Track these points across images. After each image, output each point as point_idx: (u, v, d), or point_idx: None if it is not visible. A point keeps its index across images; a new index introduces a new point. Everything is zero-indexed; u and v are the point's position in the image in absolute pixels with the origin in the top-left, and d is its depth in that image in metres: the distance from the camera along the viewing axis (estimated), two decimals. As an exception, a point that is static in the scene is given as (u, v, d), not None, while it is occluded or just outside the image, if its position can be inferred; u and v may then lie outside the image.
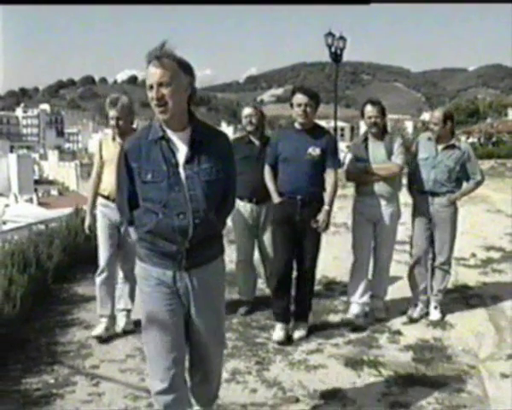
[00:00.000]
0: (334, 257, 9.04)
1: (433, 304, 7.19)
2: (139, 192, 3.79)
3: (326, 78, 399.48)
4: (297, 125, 6.48)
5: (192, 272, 3.82)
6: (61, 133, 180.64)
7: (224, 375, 5.19)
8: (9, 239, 9.18)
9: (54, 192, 73.39)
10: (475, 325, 7.04)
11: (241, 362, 5.92)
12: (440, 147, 6.99)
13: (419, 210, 7.15)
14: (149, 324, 3.91)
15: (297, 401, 5.19)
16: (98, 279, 6.62)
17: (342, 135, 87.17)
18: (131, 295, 6.64)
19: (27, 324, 6.93)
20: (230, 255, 7.00)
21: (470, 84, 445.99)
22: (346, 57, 32.15)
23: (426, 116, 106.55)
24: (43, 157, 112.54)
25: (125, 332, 6.71)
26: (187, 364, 4.10)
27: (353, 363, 5.95)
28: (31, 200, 60.24)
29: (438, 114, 7.06)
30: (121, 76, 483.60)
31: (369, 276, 7.21)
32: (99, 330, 6.55)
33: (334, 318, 7.31)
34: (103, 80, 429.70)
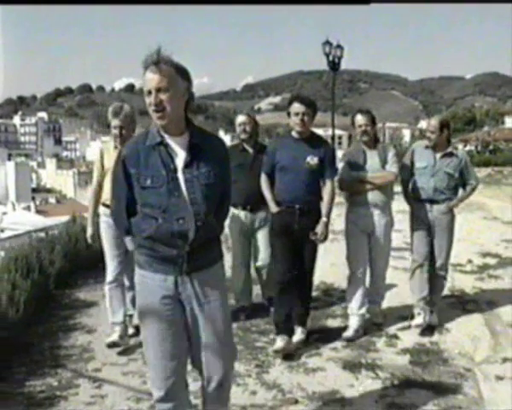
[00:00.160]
0: (331, 264, 9.12)
1: (429, 309, 7.22)
2: (138, 198, 3.79)
3: (323, 86, 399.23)
4: (294, 134, 6.50)
5: (193, 275, 3.81)
6: (58, 141, 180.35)
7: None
8: (9, 246, 9.29)
9: (51, 200, 73.22)
10: (471, 329, 7.13)
11: (241, 365, 5.97)
12: (438, 155, 7.04)
13: (418, 218, 7.16)
14: (148, 333, 3.93)
15: (296, 402, 5.28)
16: (108, 288, 6.62)
17: (340, 143, 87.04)
18: (133, 301, 6.69)
19: (30, 328, 7.02)
20: (228, 262, 7.09)
21: (467, 92, 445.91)
22: (343, 65, 32.19)
23: (423, 124, 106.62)
24: (41, 165, 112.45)
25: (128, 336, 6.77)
26: (189, 367, 4.11)
27: (351, 366, 6.04)
28: (28, 208, 60.18)
29: (434, 122, 7.10)
30: (119, 84, 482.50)
31: (367, 284, 7.20)
32: (113, 337, 6.52)
33: (332, 323, 7.39)
34: (101, 88, 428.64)
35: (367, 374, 5.87)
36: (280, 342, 6.32)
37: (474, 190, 7.20)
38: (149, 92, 3.63)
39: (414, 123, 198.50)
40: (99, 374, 5.91)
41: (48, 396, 5.41)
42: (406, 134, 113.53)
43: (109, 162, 6.22)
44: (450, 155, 7.08)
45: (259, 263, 7.44)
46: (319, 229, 6.39)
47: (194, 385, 4.52)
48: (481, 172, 26.50)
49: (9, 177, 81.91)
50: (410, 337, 6.82)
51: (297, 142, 6.46)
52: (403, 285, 8.15)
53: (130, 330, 6.87)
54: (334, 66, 30.81)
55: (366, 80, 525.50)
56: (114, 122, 6.36)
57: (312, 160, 6.32)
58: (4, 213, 55.11)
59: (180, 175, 3.73)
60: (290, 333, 6.49)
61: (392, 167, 6.89)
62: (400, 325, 7.21)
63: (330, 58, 30.39)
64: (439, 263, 7.17)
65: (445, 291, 7.73)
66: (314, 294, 7.33)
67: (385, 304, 7.49)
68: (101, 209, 6.61)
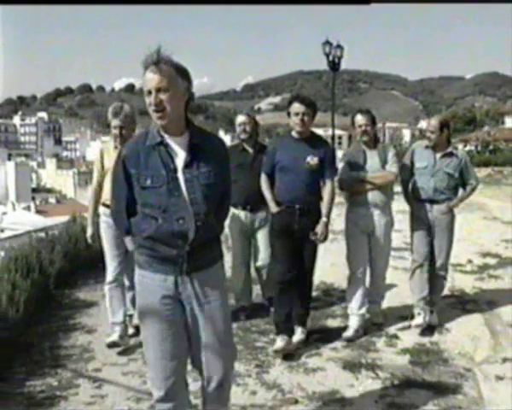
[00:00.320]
0: (331, 264, 9.12)
1: (429, 309, 7.20)
2: (138, 198, 3.79)
3: (323, 86, 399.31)
4: (294, 134, 6.50)
5: (193, 275, 3.80)
6: (58, 141, 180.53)
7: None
8: (9, 246, 9.30)
9: (51, 200, 73.24)
10: (471, 329, 7.13)
11: (241, 365, 5.98)
12: (438, 155, 7.04)
13: (418, 218, 7.16)
14: (148, 333, 3.93)
15: (296, 402, 5.29)
16: (108, 288, 6.62)
17: (340, 143, 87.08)
18: (133, 301, 6.68)
19: (30, 328, 7.03)
20: (228, 262, 7.09)
21: (467, 92, 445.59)
22: (343, 65, 32.20)
23: (423, 124, 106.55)
24: (41, 165, 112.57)
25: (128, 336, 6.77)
26: (189, 367, 4.11)
27: (351, 366, 6.05)
28: (28, 208, 60.20)
29: (434, 122, 7.10)
30: (118, 84, 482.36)
31: (367, 284, 7.20)
32: (114, 337, 6.52)
33: (332, 323, 7.40)
34: (101, 88, 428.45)
35: (367, 374, 5.88)
36: (280, 342, 6.32)
37: (474, 190, 7.20)
38: (149, 92, 3.62)
39: (414, 123, 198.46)
40: (99, 374, 5.92)
41: (48, 396, 5.42)
42: (406, 134, 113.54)
43: (109, 162, 6.20)
44: (450, 155, 7.08)
45: (259, 263, 7.44)
46: (319, 229, 6.38)
47: (194, 385, 4.54)
48: (481, 172, 26.46)
49: (9, 177, 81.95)
50: (410, 337, 6.83)
51: (297, 142, 6.46)
52: (403, 285, 8.15)
53: (130, 330, 6.88)
54: (334, 66, 30.81)
55: (366, 80, 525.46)
56: (114, 122, 6.35)
57: (312, 160, 6.32)
58: (4, 213, 55.16)
59: (180, 175, 3.73)
60: (290, 333, 6.49)
61: (392, 167, 6.89)
62: (400, 325, 7.21)
63: (330, 58, 30.39)
64: (439, 263, 7.16)
65: (445, 291, 7.73)
66: (314, 294, 7.33)
67: (385, 304, 7.49)
68: (101, 209, 6.61)
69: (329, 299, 8.32)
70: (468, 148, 36.82)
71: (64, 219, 14.95)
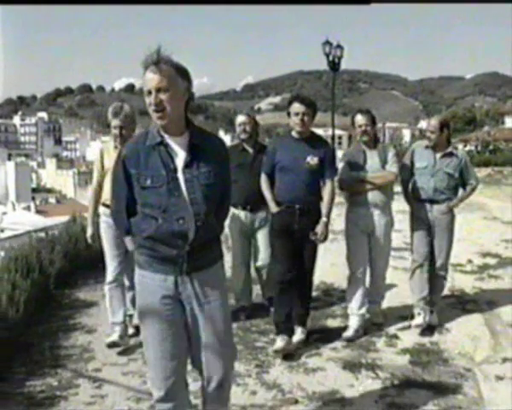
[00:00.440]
0: (331, 264, 9.13)
1: (429, 309, 7.20)
2: (138, 198, 3.80)
3: (323, 86, 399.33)
4: (294, 134, 6.50)
5: (193, 275, 3.81)
6: (58, 141, 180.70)
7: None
8: (9, 246, 9.31)
9: (51, 200, 73.29)
10: (471, 329, 7.14)
11: (241, 365, 5.99)
12: (438, 155, 7.04)
13: (418, 218, 7.17)
14: (148, 333, 3.94)
15: (296, 402, 5.30)
16: (107, 288, 6.62)
17: (340, 143, 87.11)
18: (133, 301, 6.67)
19: (30, 328, 7.04)
20: (228, 262, 7.09)
21: (467, 92, 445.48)
22: (343, 65, 32.21)
23: (423, 124, 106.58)
24: (41, 165, 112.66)
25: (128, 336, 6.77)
26: (189, 367, 4.11)
27: (351, 366, 6.06)
28: (28, 208, 60.24)
29: (434, 122, 7.10)
30: (118, 84, 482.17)
31: (367, 284, 7.20)
32: (114, 337, 6.53)
33: (332, 323, 7.41)
34: (101, 88, 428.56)
35: (367, 374, 5.89)
36: (280, 342, 6.33)
37: (473, 190, 7.21)
38: (149, 92, 3.63)
39: (414, 123, 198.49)
40: (99, 374, 5.93)
41: (48, 396, 5.43)
42: (406, 134, 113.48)
43: (109, 162, 6.18)
44: (450, 155, 7.08)
45: (259, 263, 7.44)
46: (319, 229, 6.39)
47: (194, 385, 4.54)
48: (481, 172, 26.44)
49: (9, 177, 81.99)
50: (410, 337, 6.84)
51: (297, 142, 6.47)
52: (403, 285, 8.16)
53: (130, 330, 6.88)
54: (334, 66, 30.81)
55: (366, 80, 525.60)
56: (114, 122, 6.36)
57: (312, 160, 6.32)
58: (4, 213, 55.19)
59: (180, 175, 3.73)
60: (290, 333, 6.49)
61: (392, 167, 6.89)
62: (400, 324, 7.22)
63: (330, 58, 30.40)
64: (439, 263, 7.17)
65: (445, 291, 7.74)
66: (314, 294, 7.34)
67: (385, 304, 7.50)
68: (101, 209, 6.61)
69: (329, 299, 8.33)
70: (468, 148, 36.81)
71: (64, 219, 14.96)
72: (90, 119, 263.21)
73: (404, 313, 7.45)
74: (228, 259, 6.25)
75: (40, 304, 7.74)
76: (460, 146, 31.17)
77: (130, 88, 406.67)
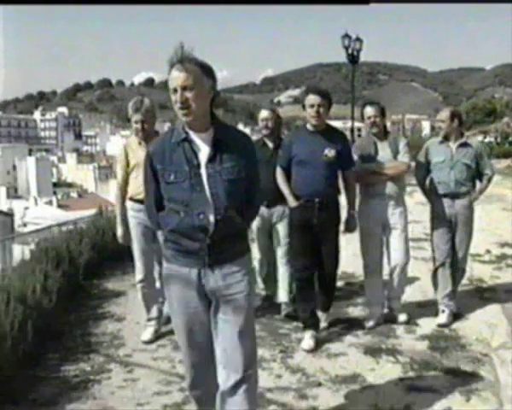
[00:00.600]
0: (353, 253, 9.23)
1: (454, 305, 7.25)
2: (163, 193, 3.87)
3: (343, 78, 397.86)
4: (310, 127, 6.43)
5: (216, 268, 3.86)
6: (78, 136, 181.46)
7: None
8: (38, 239, 9.58)
9: (73, 194, 73.73)
10: (489, 316, 7.28)
11: (265, 351, 6.21)
12: (454, 147, 7.04)
13: (438, 214, 7.15)
14: (176, 324, 4.10)
15: (319, 385, 5.49)
16: (139, 287, 6.68)
17: (359, 135, 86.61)
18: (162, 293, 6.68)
19: (62, 317, 7.28)
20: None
21: (487, 83, 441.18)
22: (362, 58, 32.14)
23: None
24: (62, 160, 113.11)
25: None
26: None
27: (372, 351, 6.24)
28: (50, 202, 60.68)
29: (445, 112, 7.18)
30: (138, 78, 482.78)
31: (385, 275, 7.19)
32: (148, 334, 6.67)
33: (353, 311, 7.60)
34: (120, 83, 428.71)
35: (387, 359, 6.07)
36: (309, 339, 6.41)
37: (490, 180, 7.21)
38: (175, 90, 3.69)
39: (433, 115, 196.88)
40: (130, 359, 6.16)
41: (82, 380, 5.66)
42: (426, 126, 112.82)
43: (136, 158, 6.35)
44: (466, 145, 7.07)
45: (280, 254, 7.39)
46: (351, 222, 6.63)
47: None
48: (501, 164, 26.55)
49: (30, 172, 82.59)
50: (428, 324, 6.99)
51: (313, 135, 6.40)
52: (422, 276, 8.35)
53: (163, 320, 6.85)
54: (353, 59, 30.76)
55: (385, 72, 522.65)
56: (136, 117, 6.39)
57: (330, 152, 6.29)
58: (26, 208, 55.68)
59: (203, 170, 3.78)
60: (317, 327, 6.60)
61: (404, 157, 6.87)
62: (419, 311, 7.38)
63: (349, 51, 30.33)
64: (459, 256, 7.20)
65: (464, 280, 7.84)
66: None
67: (405, 296, 7.46)
68: (129, 204, 6.58)
69: (350, 288, 8.54)
70: (487, 139, 36.70)
71: (87, 212, 15.28)
72: (109, 113, 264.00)
73: (423, 302, 7.65)
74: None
75: (70, 294, 8.00)
76: (480, 137, 31.08)
77: (149, 82, 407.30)
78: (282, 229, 7.24)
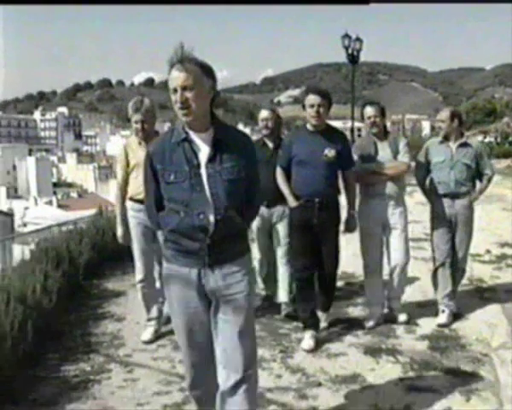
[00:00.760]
0: (353, 253, 9.22)
1: (454, 305, 7.24)
2: (163, 193, 3.86)
3: (343, 78, 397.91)
4: (310, 127, 6.41)
5: (216, 268, 3.85)
6: (78, 136, 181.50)
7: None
8: (38, 239, 9.58)
9: (73, 194, 73.73)
10: (489, 316, 7.27)
11: (265, 351, 6.20)
12: (454, 147, 7.03)
13: (438, 214, 7.14)
14: (176, 324, 4.09)
15: (319, 385, 5.48)
16: (139, 287, 6.67)
17: (359, 135, 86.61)
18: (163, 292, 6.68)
19: (62, 317, 7.27)
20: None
21: (487, 83, 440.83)
22: (362, 58, 32.10)
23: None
24: (62, 160, 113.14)
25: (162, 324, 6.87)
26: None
27: (372, 351, 6.23)
28: (50, 202, 60.67)
29: (445, 112, 7.16)
30: (138, 78, 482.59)
31: (385, 275, 7.18)
32: (148, 334, 6.67)
33: (353, 311, 7.59)
34: (120, 83, 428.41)
35: (387, 359, 6.06)
36: (309, 339, 6.40)
37: (490, 180, 7.19)
38: (175, 90, 3.68)
39: (433, 115, 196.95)
40: (130, 359, 6.16)
41: (82, 380, 5.66)
42: (426, 126, 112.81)
43: (136, 158, 6.33)
44: (465, 145, 7.06)
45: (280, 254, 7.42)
46: (351, 222, 6.62)
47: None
48: (501, 164, 26.54)
49: (30, 172, 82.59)
50: (428, 324, 6.99)
51: (313, 135, 6.39)
52: (422, 276, 8.35)
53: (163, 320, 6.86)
54: (353, 59, 30.73)
55: (385, 72, 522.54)
56: (136, 117, 6.37)
57: (330, 152, 6.28)
58: (26, 208, 55.69)
59: (203, 170, 3.78)
60: (317, 327, 6.60)
61: (404, 157, 6.85)
62: (419, 311, 7.37)
63: (349, 51, 30.30)
64: (459, 256, 7.19)
65: (464, 280, 7.83)
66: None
67: (405, 295, 7.45)
68: (129, 204, 6.57)
69: (350, 288, 8.53)
70: (487, 139, 36.68)
71: (87, 212, 15.29)
72: (109, 113, 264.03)
73: (423, 302, 7.64)
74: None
75: (70, 294, 8.00)
76: (480, 137, 31.08)
77: (149, 82, 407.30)
78: (282, 229, 7.22)
